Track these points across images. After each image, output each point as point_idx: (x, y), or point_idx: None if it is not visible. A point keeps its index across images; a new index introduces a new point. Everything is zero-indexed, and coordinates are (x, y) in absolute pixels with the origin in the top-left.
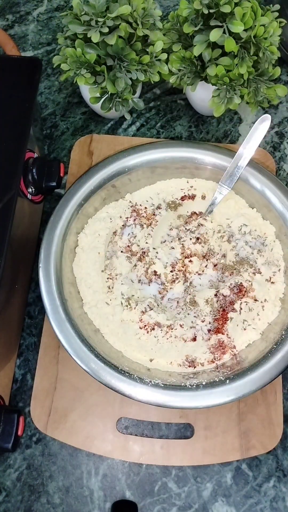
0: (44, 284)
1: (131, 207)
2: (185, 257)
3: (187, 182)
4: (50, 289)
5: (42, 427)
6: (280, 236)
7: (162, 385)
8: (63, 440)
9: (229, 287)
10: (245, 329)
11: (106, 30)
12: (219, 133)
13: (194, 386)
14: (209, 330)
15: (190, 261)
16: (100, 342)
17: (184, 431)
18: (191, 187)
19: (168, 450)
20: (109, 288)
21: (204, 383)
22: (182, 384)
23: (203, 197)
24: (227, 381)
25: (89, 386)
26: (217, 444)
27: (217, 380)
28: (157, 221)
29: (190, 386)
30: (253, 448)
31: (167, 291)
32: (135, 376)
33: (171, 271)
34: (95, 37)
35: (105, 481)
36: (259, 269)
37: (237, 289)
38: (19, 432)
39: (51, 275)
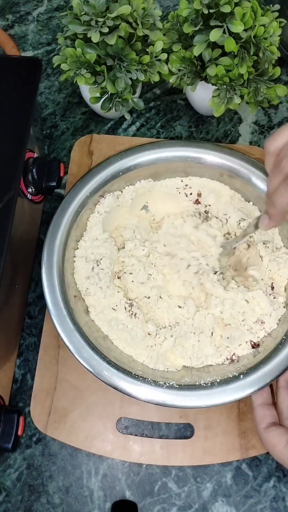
0: (49, 295)
1: None
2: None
3: (181, 181)
4: (56, 300)
5: (42, 427)
6: (277, 226)
7: (177, 386)
8: (63, 440)
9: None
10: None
11: (106, 30)
12: (219, 133)
13: (209, 384)
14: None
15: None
16: (110, 348)
17: (184, 431)
18: (186, 185)
19: (168, 450)
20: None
21: (218, 380)
22: (197, 383)
23: (199, 195)
24: (241, 376)
25: (89, 386)
26: (217, 444)
27: (231, 376)
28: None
29: (204, 385)
30: (253, 448)
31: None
32: (149, 379)
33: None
34: (95, 37)
35: (105, 481)
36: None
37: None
38: (19, 432)
39: (55, 285)
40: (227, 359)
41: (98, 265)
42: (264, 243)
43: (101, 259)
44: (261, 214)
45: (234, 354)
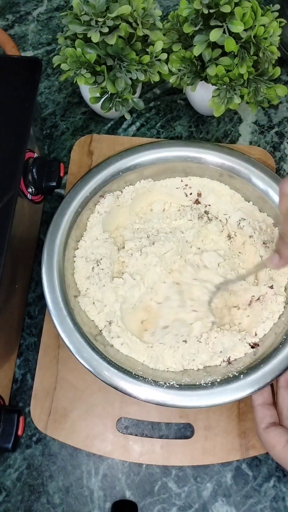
0: (49, 295)
1: None
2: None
3: (181, 181)
4: (56, 300)
5: (42, 427)
6: (277, 226)
7: (177, 386)
8: (63, 440)
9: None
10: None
11: (106, 30)
12: (219, 133)
13: (209, 384)
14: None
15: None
16: (111, 348)
17: (184, 431)
18: (186, 185)
19: (168, 450)
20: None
21: (218, 380)
22: (197, 383)
23: (199, 195)
24: (241, 376)
25: (89, 386)
26: (217, 444)
27: (231, 376)
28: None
29: (205, 385)
30: (253, 448)
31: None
32: (150, 379)
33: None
34: (95, 37)
35: (105, 481)
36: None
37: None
38: (19, 432)
39: (55, 285)
40: (223, 361)
41: (98, 265)
42: (264, 243)
43: (101, 259)
44: (263, 261)
45: (229, 357)
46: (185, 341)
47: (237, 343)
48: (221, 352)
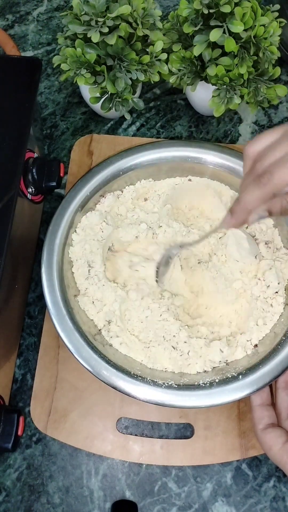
0: (49, 295)
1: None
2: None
3: (181, 181)
4: (56, 300)
5: (42, 427)
6: (277, 226)
7: (176, 386)
8: (63, 440)
9: None
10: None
11: (106, 30)
12: (219, 133)
13: (208, 384)
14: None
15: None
16: (110, 348)
17: (184, 431)
18: None
19: (168, 450)
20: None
21: (217, 380)
22: (196, 383)
23: None
24: (240, 376)
25: (89, 386)
26: (217, 444)
27: (230, 376)
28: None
29: (203, 385)
30: (253, 448)
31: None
32: (148, 379)
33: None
34: (95, 37)
35: (105, 481)
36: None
37: None
38: (19, 432)
39: (55, 285)
40: (222, 362)
41: (92, 267)
42: (266, 243)
43: (92, 260)
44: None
45: (228, 359)
46: (174, 347)
47: (237, 344)
48: (219, 361)
